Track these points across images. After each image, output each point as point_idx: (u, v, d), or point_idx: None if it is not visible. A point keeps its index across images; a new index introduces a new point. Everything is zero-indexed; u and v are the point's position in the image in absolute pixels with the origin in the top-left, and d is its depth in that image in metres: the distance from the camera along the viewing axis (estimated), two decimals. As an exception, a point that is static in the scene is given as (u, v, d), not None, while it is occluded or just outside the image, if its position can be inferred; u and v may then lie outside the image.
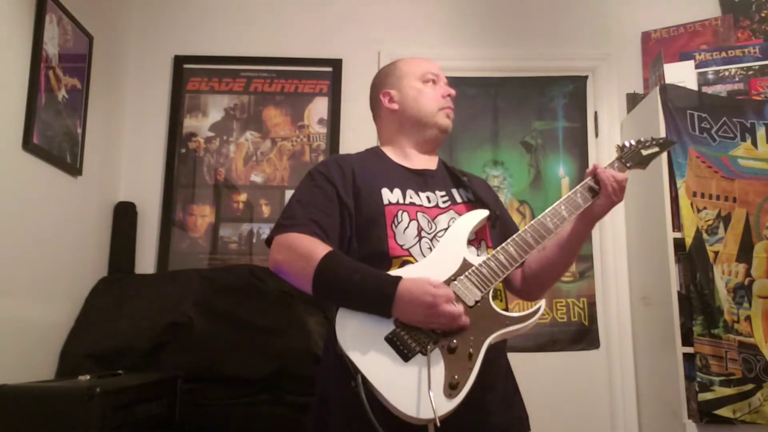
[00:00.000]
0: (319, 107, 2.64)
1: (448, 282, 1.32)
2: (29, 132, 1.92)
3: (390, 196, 1.46)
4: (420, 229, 1.43)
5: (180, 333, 2.03)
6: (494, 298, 1.35)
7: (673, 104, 2.19)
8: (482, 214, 1.47)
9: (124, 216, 2.47)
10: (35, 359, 1.95)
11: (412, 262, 1.39)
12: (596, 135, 2.62)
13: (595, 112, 2.63)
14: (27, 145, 1.91)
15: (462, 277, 1.33)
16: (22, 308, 1.90)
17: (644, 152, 1.55)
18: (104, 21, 2.44)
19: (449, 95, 1.60)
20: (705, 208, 2.09)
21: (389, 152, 1.60)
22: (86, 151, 2.26)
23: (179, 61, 2.66)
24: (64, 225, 2.13)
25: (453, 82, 2.71)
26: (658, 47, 2.55)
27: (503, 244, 1.39)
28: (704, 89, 2.30)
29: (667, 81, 2.30)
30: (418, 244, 1.41)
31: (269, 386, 1.99)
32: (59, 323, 2.08)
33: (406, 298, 1.25)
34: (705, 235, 2.07)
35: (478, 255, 1.42)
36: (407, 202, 1.46)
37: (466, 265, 1.35)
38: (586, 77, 2.67)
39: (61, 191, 2.13)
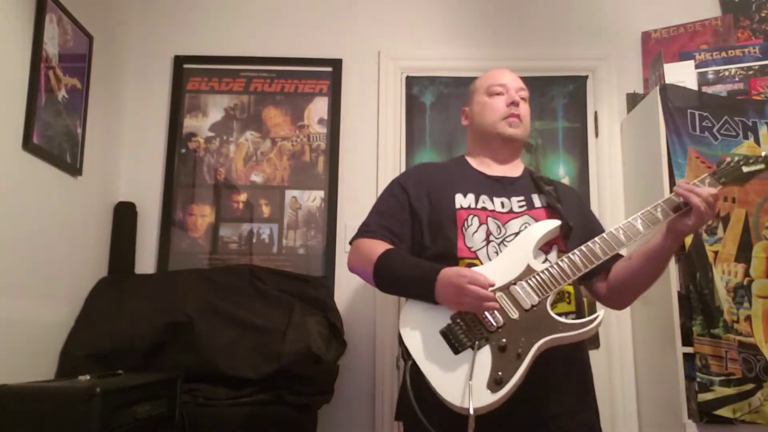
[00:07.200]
0: (319, 107, 2.64)
1: (509, 285, 1.37)
2: (29, 132, 1.92)
3: (462, 201, 1.54)
4: (488, 233, 1.49)
5: (180, 333, 2.03)
6: (559, 301, 1.39)
7: (673, 104, 2.19)
8: (552, 224, 1.49)
9: (124, 216, 2.47)
10: (35, 359, 1.95)
11: (477, 265, 1.44)
12: (596, 135, 2.62)
13: (595, 112, 2.63)
14: (27, 145, 1.91)
15: (522, 282, 1.38)
16: (22, 308, 1.90)
17: (746, 169, 1.50)
18: (104, 21, 2.44)
19: (513, 103, 1.60)
20: (705, 208, 2.09)
21: (471, 161, 1.68)
22: (86, 151, 2.26)
23: (179, 61, 2.66)
24: (64, 225, 2.13)
25: (452, 82, 2.73)
26: (658, 47, 2.55)
27: (569, 253, 1.42)
28: (704, 89, 2.30)
29: (667, 81, 2.30)
30: (485, 247, 1.48)
31: (269, 386, 1.99)
32: (59, 323, 2.08)
33: (444, 281, 1.35)
34: (704, 236, 2.07)
35: (544, 262, 1.46)
36: (479, 206, 1.53)
37: (528, 271, 1.39)
38: (586, 77, 2.67)
39: (61, 191, 2.13)
